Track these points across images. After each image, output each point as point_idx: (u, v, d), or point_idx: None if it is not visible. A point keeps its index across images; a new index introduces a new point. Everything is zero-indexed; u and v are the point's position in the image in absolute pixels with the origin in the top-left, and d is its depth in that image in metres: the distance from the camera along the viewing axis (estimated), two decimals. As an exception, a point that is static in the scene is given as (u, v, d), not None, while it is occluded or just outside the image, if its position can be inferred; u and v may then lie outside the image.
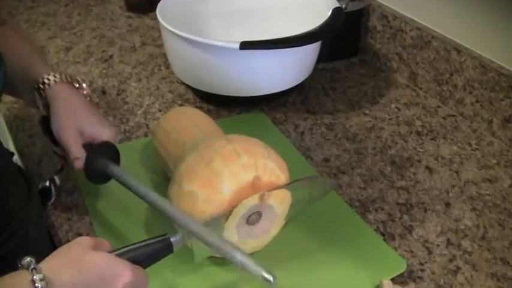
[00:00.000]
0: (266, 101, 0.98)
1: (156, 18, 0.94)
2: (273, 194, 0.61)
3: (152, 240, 0.55)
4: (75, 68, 1.09)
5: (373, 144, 0.89)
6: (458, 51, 0.93)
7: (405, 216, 0.75)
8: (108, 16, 1.31)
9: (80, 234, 0.71)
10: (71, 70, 1.08)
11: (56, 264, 0.47)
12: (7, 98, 0.97)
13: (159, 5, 0.96)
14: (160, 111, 0.96)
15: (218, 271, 0.66)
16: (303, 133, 0.91)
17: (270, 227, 0.65)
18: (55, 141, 0.72)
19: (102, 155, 0.70)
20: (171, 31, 0.89)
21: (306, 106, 0.98)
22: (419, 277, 0.67)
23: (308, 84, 1.04)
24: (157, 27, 1.23)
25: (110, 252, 0.51)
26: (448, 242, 0.71)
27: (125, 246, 0.53)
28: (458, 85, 0.95)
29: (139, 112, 0.96)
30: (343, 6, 1.01)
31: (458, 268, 0.68)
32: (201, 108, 0.95)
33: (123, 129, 0.91)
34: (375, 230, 0.73)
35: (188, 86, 0.99)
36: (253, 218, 0.62)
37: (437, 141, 0.90)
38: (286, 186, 0.63)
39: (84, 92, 0.75)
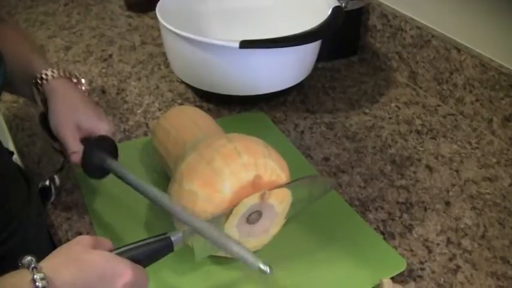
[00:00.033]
0: (266, 100, 0.98)
1: (155, 17, 0.94)
2: (273, 193, 0.61)
3: (152, 239, 0.55)
4: (74, 67, 1.09)
5: (373, 143, 0.89)
6: (458, 50, 0.93)
7: (405, 215, 0.75)
8: (107, 15, 1.31)
9: (80, 234, 0.71)
10: (70, 69, 1.08)
11: (56, 263, 0.47)
12: (7, 97, 0.97)
13: (159, 4, 0.96)
14: (160, 110, 0.96)
15: (218, 270, 0.66)
16: (302, 132, 0.91)
17: (270, 226, 0.65)
18: (54, 137, 0.71)
19: (100, 148, 0.70)
20: (170, 30, 0.89)
21: (305, 105, 0.98)
22: (419, 276, 0.67)
23: (308, 83, 1.04)
24: (157, 27, 1.23)
25: (110, 251, 0.51)
26: (448, 241, 0.71)
27: (125, 245, 0.53)
28: (458, 84, 0.95)
29: (139, 111, 0.96)
30: (343, 5, 1.01)
31: (458, 267, 0.68)
32: (201, 107, 0.95)
33: (123, 129, 0.91)
34: (375, 229, 0.73)
35: (188, 85, 0.99)
36: (253, 217, 0.62)
37: (437, 140, 0.90)
38: (286, 185, 0.63)
39: (83, 88, 0.75)
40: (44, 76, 0.70)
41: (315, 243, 0.69)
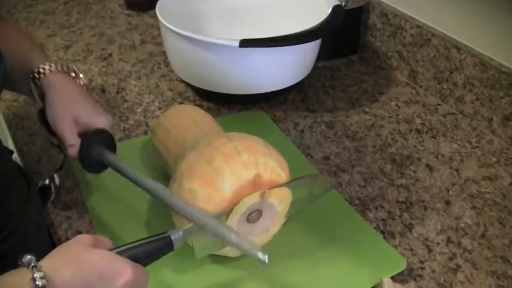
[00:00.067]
0: (266, 99, 0.98)
1: (155, 16, 0.93)
2: (273, 192, 0.61)
3: (152, 238, 0.55)
4: (74, 66, 1.08)
5: (373, 142, 0.89)
6: (458, 49, 0.93)
7: (405, 214, 0.75)
8: (107, 14, 1.31)
9: (80, 232, 0.71)
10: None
11: (56, 262, 0.47)
12: (6, 96, 0.97)
13: (159, 3, 0.96)
14: (160, 109, 0.96)
15: (218, 269, 0.66)
16: (302, 131, 0.91)
17: (271, 225, 0.65)
18: (52, 132, 0.71)
19: (97, 142, 0.69)
20: (170, 29, 0.89)
21: (305, 104, 0.98)
22: (419, 275, 0.67)
23: (308, 82, 1.04)
24: (156, 25, 1.23)
25: (110, 250, 0.51)
26: (448, 240, 0.71)
27: (125, 244, 0.53)
28: (458, 83, 0.94)
29: (138, 110, 0.96)
30: (343, 4, 1.01)
31: (459, 266, 0.68)
32: (200, 106, 0.95)
33: (123, 128, 0.91)
34: (375, 228, 0.73)
35: (188, 84, 0.99)
36: (253, 216, 0.62)
37: (437, 139, 0.90)
38: (286, 184, 0.63)
39: (81, 82, 0.74)
40: (41, 70, 0.70)
41: (315, 242, 0.69)
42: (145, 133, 0.90)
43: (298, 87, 1.01)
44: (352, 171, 0.83)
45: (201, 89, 0.95)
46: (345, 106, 0.98)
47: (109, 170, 0.70)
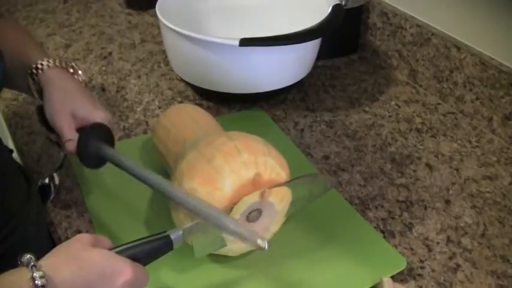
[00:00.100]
0: (266, 98, 0.98)
1: (155, 15, 0.93)
2: (273, 191, 0.61)
3: (152, 238, 0.55)
4: (74, 65, 1.09)
5: (373, 141, 0.89)
6: (458, 48, 0.93)
7: (405, 214, 0.75)
8: (107, 13, 1.31)
9: (80, 232, 0.71)
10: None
11: (55, 261, 0.47)
12: (6, 95, 0.97)
13: (159, 1, 0.96)
14: (159, 108, 0.96)
15: (218, 268, 0.66)
16: (302, 130, 0.91)
17: (270, 224, 0.65)
18: (51, 128, 0.71)
19: (95, 136, 0.69)
20: (170, 28, 0.89)
21: (305, 103, 0.98)
22: (419, 275, 0.67)
23: (308, 81, 1.04)
24: (156, 24, 1.23)
25: (110, 249, 0.51)
26: (448, 240, 0.71)
27: (125, 244, 0.53)
28: (458, 82, 0.94)
29: (138, 109, 0.96)
30: (343, 3, 1.01)
31: (458, 266, 0.68)
32: (200, 105, 0.95)
33: (123, 127, 0.91)
34: (375, 227, 0.73)
35: (188, 83, 0.98)
36: (253, 215, 0.62)
37: (437, 138, 0.90)
38: (286, 183, 0.63)
39: (80, 78, 0.74)
40: (39, 66, 0.70)
41: (315, 242, 0.69)
42: (145, 132, 0.90)
43: (298, 86, 1.01)
44: (352, 170, 0.83)
45: (201, 88, 0.95)
46: (345, 105, 0.98)
47: (109, 169, 0.70)
